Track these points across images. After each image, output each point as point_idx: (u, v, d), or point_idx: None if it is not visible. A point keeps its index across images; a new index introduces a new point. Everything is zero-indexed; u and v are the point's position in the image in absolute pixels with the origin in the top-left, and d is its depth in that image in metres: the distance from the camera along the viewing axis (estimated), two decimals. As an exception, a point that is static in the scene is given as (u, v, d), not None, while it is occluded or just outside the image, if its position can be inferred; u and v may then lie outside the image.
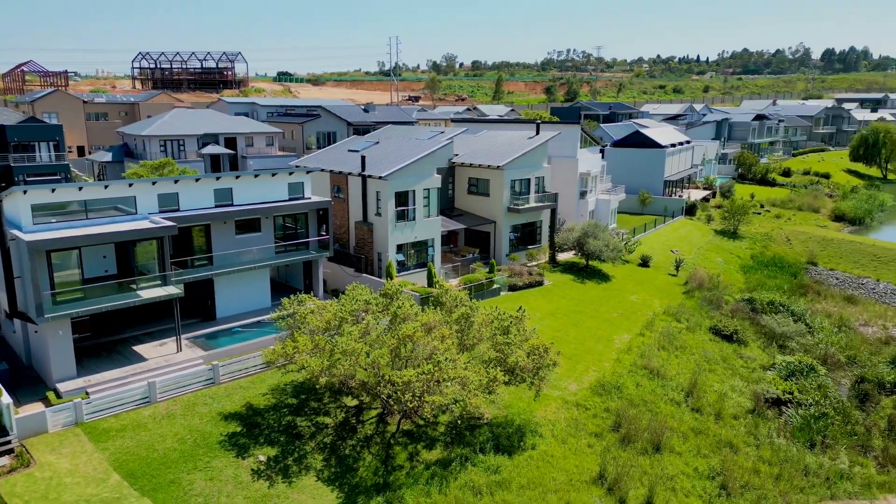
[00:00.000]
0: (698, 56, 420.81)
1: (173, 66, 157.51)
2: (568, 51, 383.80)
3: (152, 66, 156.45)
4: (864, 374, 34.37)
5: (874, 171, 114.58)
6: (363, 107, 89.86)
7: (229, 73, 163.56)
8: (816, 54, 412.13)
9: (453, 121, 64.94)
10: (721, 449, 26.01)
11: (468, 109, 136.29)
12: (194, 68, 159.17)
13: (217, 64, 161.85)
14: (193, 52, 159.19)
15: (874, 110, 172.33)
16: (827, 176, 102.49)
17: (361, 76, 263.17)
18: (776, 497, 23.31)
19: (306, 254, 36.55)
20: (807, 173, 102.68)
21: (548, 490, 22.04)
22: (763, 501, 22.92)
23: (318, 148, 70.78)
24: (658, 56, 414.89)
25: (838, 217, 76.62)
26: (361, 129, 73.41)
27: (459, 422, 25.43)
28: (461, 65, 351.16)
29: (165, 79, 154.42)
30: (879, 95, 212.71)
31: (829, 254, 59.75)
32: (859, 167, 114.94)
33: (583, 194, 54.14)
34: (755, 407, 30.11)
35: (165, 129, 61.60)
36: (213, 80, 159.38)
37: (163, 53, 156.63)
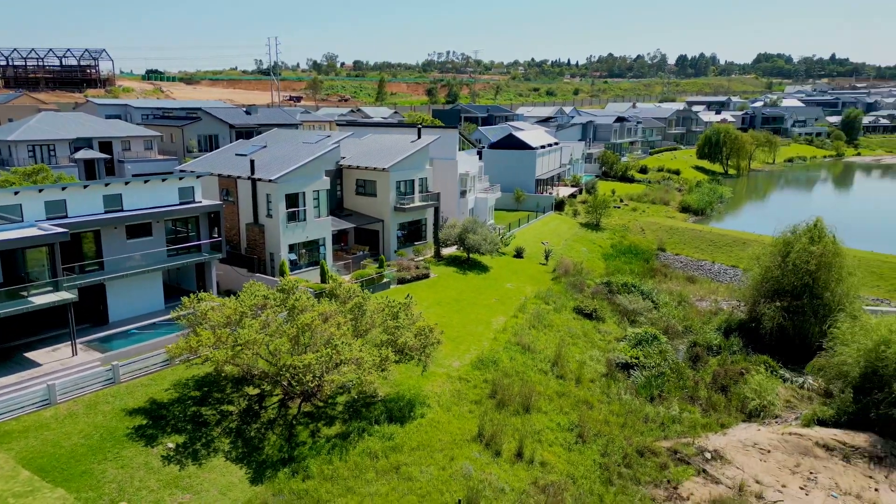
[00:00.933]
0: (569, 60, 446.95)
1: (28, 63, 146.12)
2: (448, 53, 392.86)
3: (3, 63, 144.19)
4: (696, 340, 40.93)
5: (717, 167, 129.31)
6: (245, 109, 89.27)
7: (93, 71, 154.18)
8: (672, 60, 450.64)
9: (339, 124, 67.15)
10: (579, 406, 30.77)
11: (352, 111, 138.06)
12: (53, 66, 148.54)
13: (79, 62, 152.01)
14: (51, 49, 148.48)
15: (718, 112, 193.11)
16: (678, 172, 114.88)
17: (238, 75, 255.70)
18: (621, 440, 28.27)
19: (199, 256, 37.69)
20: (661, 170, 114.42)
21: (435, 450, 25.51)
22: (610, 444, 27.78)
23: (201, 151, 70.19)
24: (532, 59, 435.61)
25: (685, 209, 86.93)
26: (245, 132, 73.54)
27: (356, 400, 28.29)
28: (342, 64, 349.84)
29: (20, 77, 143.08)
30: (723, 98, 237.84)
31: (675, 241, 68.29)
32: (705, 164, 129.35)
33: (463, 193, 58.45)
34: (608, 371, 35.40)
35: (34, 133, 58.89)
36: (74, 78, 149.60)
37: (15, 50, 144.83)
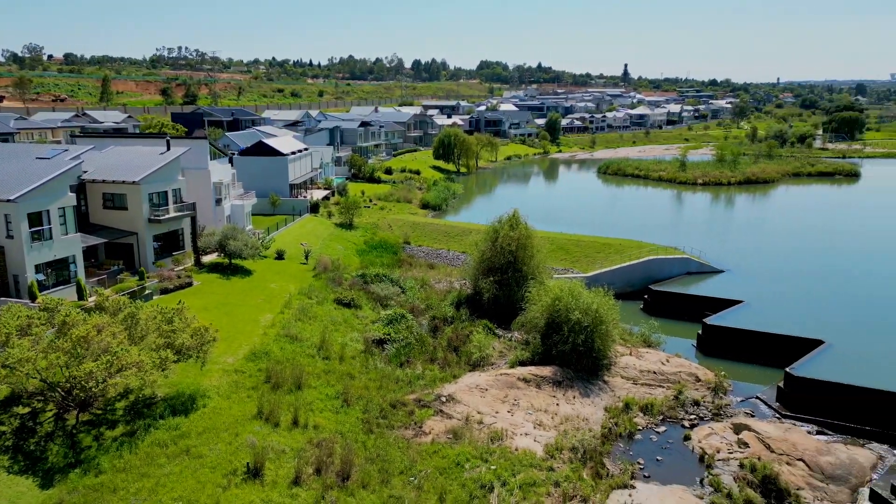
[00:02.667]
0: (311, 60, 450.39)
1: None
2: (180, 48, 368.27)
3: None
4: (435, 314, 49.71)
5: (451, 166, 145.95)
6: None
7: None
8: (408, 64, 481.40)
9: (73, 135, 63.44)
10: (343, 379, 36.72)
11: (76, 115, 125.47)
12: None
13: None
14: None
15: (449, 116, 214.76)
16: (418, 172, 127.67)
17: None
18: (378, 398, 34.94)
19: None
20: (404, 171, 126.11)
21: (220, 430, 29.28)
22: (369, 403, 34.27)
23: None
24: (274, 58, 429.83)
25: (425, 205, 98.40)
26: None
27: (136, 403, 30.45)
28: (50, 58, 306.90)
29: None
30: (454, 103, 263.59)
31: (418, 234, 78.14)
32: (441, 163, 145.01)
33: (218, 201, 60.37)
34: (366, 348, 42.00)
35: None
36: None
37: None
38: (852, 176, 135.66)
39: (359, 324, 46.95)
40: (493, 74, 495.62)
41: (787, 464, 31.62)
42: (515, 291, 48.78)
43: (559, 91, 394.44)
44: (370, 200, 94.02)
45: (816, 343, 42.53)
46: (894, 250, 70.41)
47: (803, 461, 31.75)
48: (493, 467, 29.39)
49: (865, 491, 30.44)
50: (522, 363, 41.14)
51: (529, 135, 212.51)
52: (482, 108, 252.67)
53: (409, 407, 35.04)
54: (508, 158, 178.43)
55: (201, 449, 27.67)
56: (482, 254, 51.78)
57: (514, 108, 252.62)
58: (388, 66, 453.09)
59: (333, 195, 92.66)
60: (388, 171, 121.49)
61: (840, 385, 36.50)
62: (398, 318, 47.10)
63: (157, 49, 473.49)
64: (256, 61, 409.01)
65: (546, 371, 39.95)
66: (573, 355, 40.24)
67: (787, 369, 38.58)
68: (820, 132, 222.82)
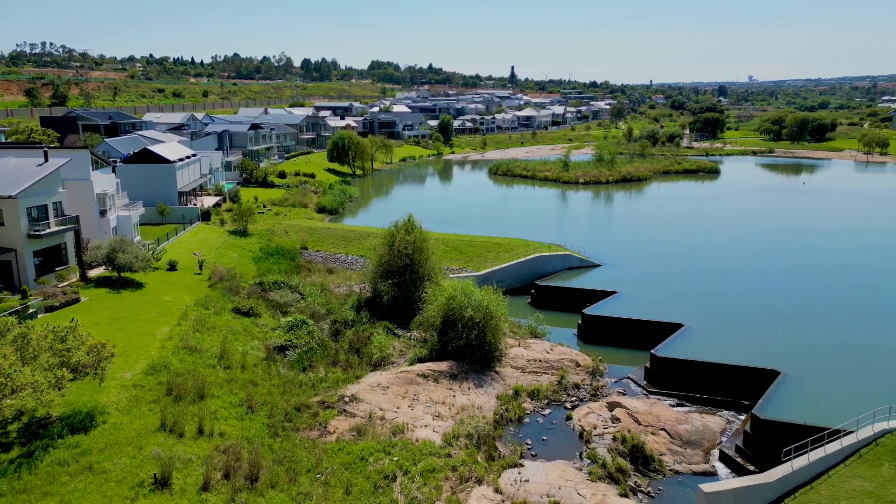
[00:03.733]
0: (192, 58, 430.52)
1: None
2: (44, 44, 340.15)
3: None
4: (336, 318, 51.16)
5: (346, 169, 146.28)
6: None
7: None
8: (297, 63, 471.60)
9: (-69, 145, 58.73)
10: (247, 386, 37.52)
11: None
12: None
13: None
14: None
15: (343, 118, 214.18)
16: (313, 175, 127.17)
17: None
18: (283, 403, 36.15)
19: None
20: (298, 174, 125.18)
21: (123, 445, 29.48)
22: (274, 408, 35.42)
23: None
24: (151, 55, 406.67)
25: (321, 209, 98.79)
26: None
27: (31, 424, 29.90)
28: None
29: None
30: (346, 104, 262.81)
31: (315, 239, 78.79)
32: (336, 166, 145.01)
33: (103, 213, 58.30)
34: (268, 355, 42.84)
35: None
36: None
37: None
38: (713, 173, 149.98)
39: (259, 332, 47.52)
40: (384, 75, 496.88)
41: (652, 434, 36.22)
42: (413, 292, 51.21)
43: (450, 92, 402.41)
44: (264, 206, 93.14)
45: (677, 326, 48.20)
46: (747, 242, 79.63)
47: (665, 430, 36.49)
48: (395, 459, 31.62)
49: (716, 452, 35.57)
50: (421, 360, 43.65)
51: (423, 136, 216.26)
52: (375, 109, 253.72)
53: (313, 409, 36.50)
54: (403, 160, 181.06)
55: (105, 464, 27.86)
56: (380, 258, 53.78)
57: (408, 110, 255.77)
58: (276, 64, 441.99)
59: (225, 202, 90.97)
60: (282, 175, 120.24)
61: (696, 362, 41.93)
62: (299, 324, 48.12)
63: (17, 45, 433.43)
64: (132, 58, 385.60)
65: (443, 366, 42.69)
66: (467, 349, 43.27)
67: (653, 351, 43.66)
68: (687, 132, 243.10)
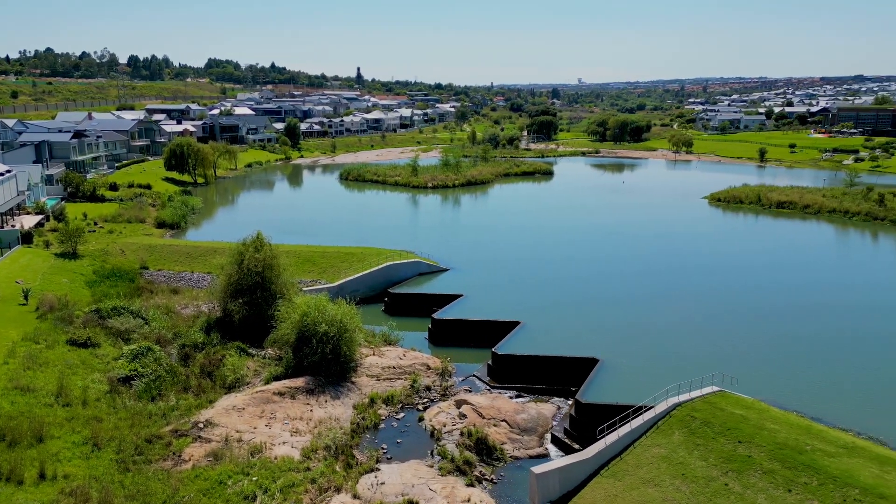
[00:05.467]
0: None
1: None
2: None
3: None
4: (185, 342, 49.99)
5: (187, 178, 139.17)
6: None
7: None
8: (123, 59, 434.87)
9: None
10: (90, 423, 36.11)
11: None
12: None
13: None
14: None
15: (179, 122, 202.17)
16: (149, 186, 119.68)
17: None
18: (132, 436, 35.34)
19: None
20: (132, 186, 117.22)
21: (-47, 503, 27.64)
22: (123, 442, 34.60)
23: None
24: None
25: (161, 224, 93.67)
26: None
27: None
28: None
29: None
30: (183, 106, 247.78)
31: (156, 258, 75.10)
32: (175, 175, 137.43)
33: None
34: (111, 387, 41.25)
35: None
36: None
37: None
38: (548, 174, 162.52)
39: (100, 363, 45.36)
40: (224, 74, 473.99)
41: (494, 425, 40.28)
42: (266, 310, 51.47)
43: (296, 93, 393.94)
44: (95, 223, 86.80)
45: (515, 324, 53.21)
46: (575, 238, 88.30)
47: (505, 421, 40.73)
48: (254, 479, 32.54)
49: (549, 436, 40.39)
50: (277, 378, 44.41)
51: (269, 140, 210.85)
52: (216, 111, 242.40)
53: (165, 439, 36.11)
54: (249, 166, 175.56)
55: (-69, 527, 26.06)
56: (229, 277, 53.27)
57: (251, 112, 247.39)
58: (98, 61, 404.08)
59: (49, 220, 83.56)
60: (114, 188, 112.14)
61: (530, 357, 46.89)
62: (144, 351, 46.55)
63: None
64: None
65: (299, 382, 43.82)
66: (323, 364, 44.75)
67: (493, 349, 48.07)
68: (525, 133, 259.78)
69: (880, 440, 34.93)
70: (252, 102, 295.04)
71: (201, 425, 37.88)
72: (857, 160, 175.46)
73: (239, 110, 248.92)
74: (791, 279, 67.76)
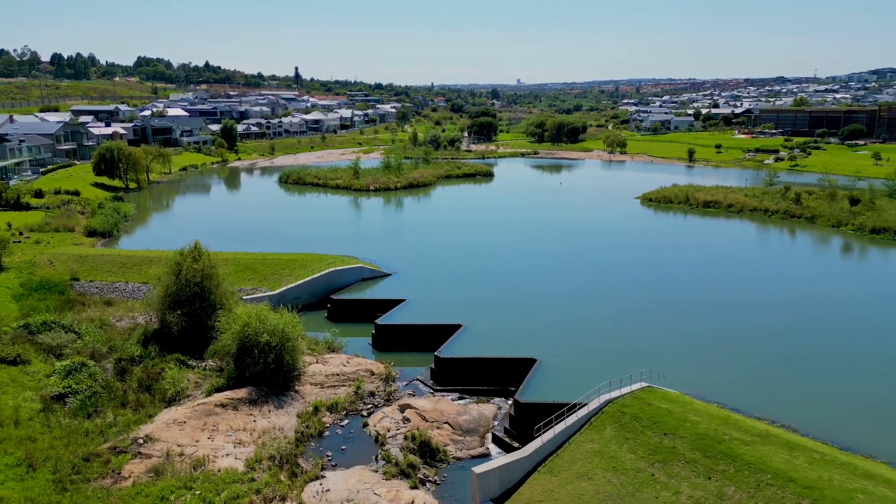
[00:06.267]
0: None
1: None
2: None
3: None
4: (121, 356, 48.90)
5: (118, 183, 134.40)
6: None
7: None
8: (46, 58, 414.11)
9: None
10: (24, 443, 35.16)
11: None
12: None
13: None
14: None
15: (108, 124, 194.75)
16: (77, 193, 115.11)
17: None
18: (68, 455, 34.64)
19: None
20: (59, 192, 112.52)
21: None
22: (59, 462, 33.89)
23: None
24: None
25: (91, 233, 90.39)
26: None
27: None
28: None
29: None
30: (112, 107, 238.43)
31: (87, 268, 72.67)
32: (105, 180, 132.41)
33: None
34: (44, 406, 40.13)
35: None
36: None
37: None
38: (489, 176, 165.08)
39: (31, 381, 43.97)
40: (155, 73, 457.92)
41: (437, 428, 41.40)
42: (205, 321, 50.91)
43: (232, 94, 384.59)
44: (20, 233, 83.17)
45: (457, 327, 54.49)
46: (513, 238, 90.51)
47: (448, 423, 41.91)
48: (197, 492, 32.53)
49: (490, 436, 41.82)
50: (219, 389, 44.15)
51: (205, 142, 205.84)
52: (147, 112, 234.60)
53: (104, 457, 35.53)
54: (184, 169, 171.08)
55: None
56: (167, 287, 52.36)
57: (185, 114, 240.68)
58: (18, 59, 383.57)
59: (-31, 231, 79.49)
60: (39, 195, 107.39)
61: (471, 359, 48.25)
62: (77, 366, 45.34)
63: None
64: None
65: (242, 393, 43.73)
66: (266, 374, 44.74)
67: (436, 353, 49.20)
68: (466, 135, 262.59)
69: (791, 427, 37.92)
70: (186, 103, 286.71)
71: (141, 441, 37.43)
72: (777, 160, 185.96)
73: (172, 111, 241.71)
74: (715, 275, 71.83)
